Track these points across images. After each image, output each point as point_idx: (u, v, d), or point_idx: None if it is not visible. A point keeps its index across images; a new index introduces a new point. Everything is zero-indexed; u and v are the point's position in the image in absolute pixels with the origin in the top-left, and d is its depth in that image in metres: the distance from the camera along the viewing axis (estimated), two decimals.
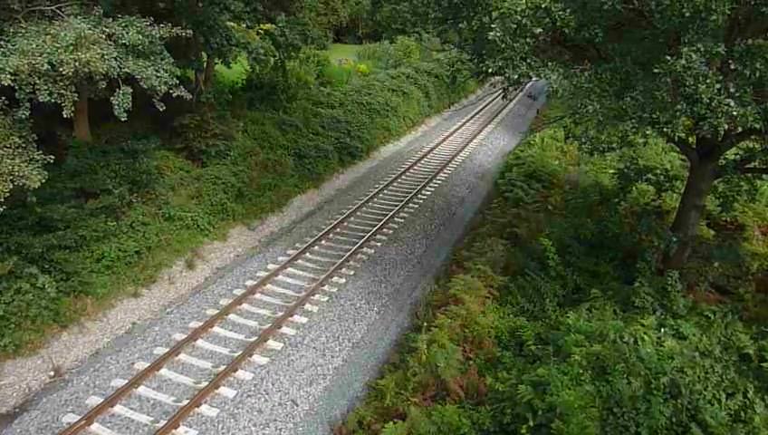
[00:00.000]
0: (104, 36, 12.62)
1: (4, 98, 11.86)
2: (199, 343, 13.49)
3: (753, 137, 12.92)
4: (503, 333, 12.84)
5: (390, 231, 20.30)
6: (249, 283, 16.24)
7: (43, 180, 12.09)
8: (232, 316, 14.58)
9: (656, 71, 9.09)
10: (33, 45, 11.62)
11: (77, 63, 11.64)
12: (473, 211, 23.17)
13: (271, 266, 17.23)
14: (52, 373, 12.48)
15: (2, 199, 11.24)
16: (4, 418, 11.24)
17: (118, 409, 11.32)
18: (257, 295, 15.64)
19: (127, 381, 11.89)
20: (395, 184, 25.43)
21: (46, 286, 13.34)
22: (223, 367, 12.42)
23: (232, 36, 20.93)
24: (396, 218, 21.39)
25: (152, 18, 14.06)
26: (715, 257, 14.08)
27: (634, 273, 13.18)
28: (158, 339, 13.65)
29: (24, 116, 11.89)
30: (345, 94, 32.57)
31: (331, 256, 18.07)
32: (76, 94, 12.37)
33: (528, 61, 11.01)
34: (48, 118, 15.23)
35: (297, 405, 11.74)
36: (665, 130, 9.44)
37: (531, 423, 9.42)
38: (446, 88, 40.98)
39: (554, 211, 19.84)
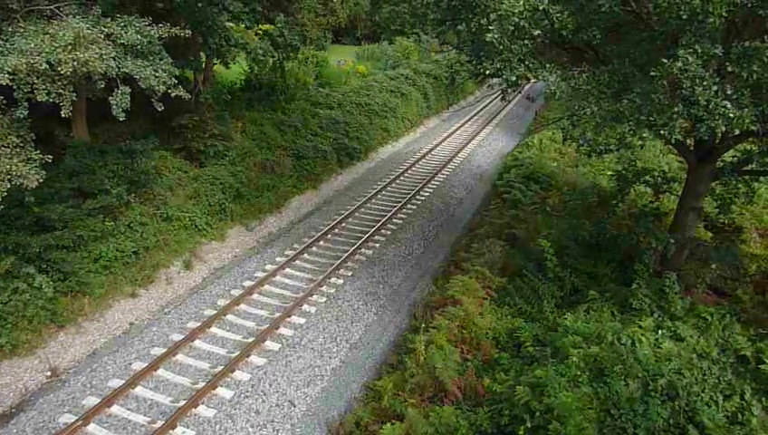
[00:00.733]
0: (103, 36, 12.61)
1: (2, 97, 11.84)
2: (197, 343, 13.47)
3: (750, 139, 12.95)
4: (500, 335, 12.84)
5: (389, 232, 20.30)
6: (247, 283, 16.23)
7: (41, 180, 12.07)
8: (230, 317, 14.57)
9: (653, 73, 9.09)
10: (32, 45, 11.61)
11: (75, 63, 11.63)
12: (471, 212, 23.18)
13: (269, 267, 17.22)
14: (48, 373, 12.45)
15: (0, 199, 11.22)
16: (1, 418, 11.21)
17: (115, 409, 11.29)
18: (255, 296, 15.63)
19: (124, 382, 11.87)
20: (393, 185, 25.44)
21: (43, 286, 13.31)
22: (220, 368, 12.41)
23: (231, 37, 20.93)
24: (394, 219, 21.40)
25: (151, 18, 14.06)
26: (713, 259, 14.09)
27: (632, 274, 13.18)
28: (155, 339, 13.63)
29: (22, 115, 11.87)
30: (344, 95, 32.57)
31: (329, 257, 18.07)
32: (74, 94, 12.36)
33: (526, 63, 11.02)
34: (46, 118, 15.22)
35: (295, 406, 11.73)
36: (662, 132, 9.44)
37: (528, 425, 9.42)
38: (445, 89, 41.00)
39: (552, 213, 19.85)
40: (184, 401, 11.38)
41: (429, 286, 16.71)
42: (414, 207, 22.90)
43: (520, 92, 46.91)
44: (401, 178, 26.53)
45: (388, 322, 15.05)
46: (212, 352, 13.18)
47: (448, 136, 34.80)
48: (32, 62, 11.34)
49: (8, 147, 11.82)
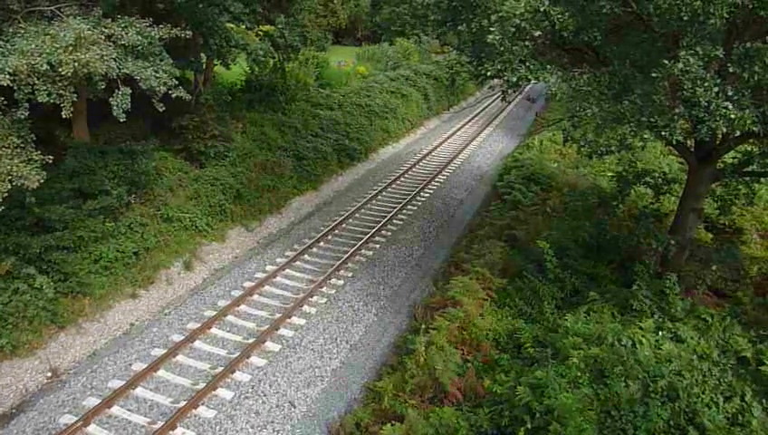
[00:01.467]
0: (103, 37, 12.62)
1: (2, 98, 11.84)
2: (197, 344, 13.47)
3: (751, 140, 12.95)
4: (501, 336, 12.83)
5: (389, 233, 20.30)
6: (247, 284, 16.23)
7: (42, 180, 12.07)
8: (230, 318, 14.56)
9: (654, 74, 9.09)
10: (33, 46, 11.61)
11: (76, 64, 11.64)
12: (471, 213, 23.17)
13: (269, 268, 17.22)
14: (49, 374, 12.45)
15: (0, 199, 11.22)
16: (1, 419, 11.21)
17: (115, 410, 11.29)
18: (255, 297, 15.62)
19: (124, 383, 11.87)
20: (394, 186, 25.45)
21: (44, 287, 13.31)
22: (221, 368, 12.40)
23: (231, 38, 20.94)
24: (394, 220, 21.40)
25: (151, 19, 14.07)
26: (714, 260, 14.09)
27: (632, 276, 13.18)
28: (155, 340, 13.63)
29: (22, 116, 11.87)
30: (344, 96, 32.59)
31: (329, 258, 18.06)
32: (75, 95, 12.36)
33: (527, 64, 11.03)
34: (47, 118, 15.23)
35: (295, 407, 11.73)
36: (663, 133, 9.45)
37: (528, 426, 9.41)
38: (445, 90, 41.03)
39: (553, 214, 19.85)
40: (184, 402, 11.37)
41: (430, 287, 16.71)
42: (414, 208, 22.89)
43: (520, 94, 46.95)
44: (401, 178, 26.54)
45: (388, 323, 15.04)
46: (212, 352, 13.17)
47: (449, 137, 34.81)
48: (32, 63, 11.35)
49: (9, 147, 11.82)
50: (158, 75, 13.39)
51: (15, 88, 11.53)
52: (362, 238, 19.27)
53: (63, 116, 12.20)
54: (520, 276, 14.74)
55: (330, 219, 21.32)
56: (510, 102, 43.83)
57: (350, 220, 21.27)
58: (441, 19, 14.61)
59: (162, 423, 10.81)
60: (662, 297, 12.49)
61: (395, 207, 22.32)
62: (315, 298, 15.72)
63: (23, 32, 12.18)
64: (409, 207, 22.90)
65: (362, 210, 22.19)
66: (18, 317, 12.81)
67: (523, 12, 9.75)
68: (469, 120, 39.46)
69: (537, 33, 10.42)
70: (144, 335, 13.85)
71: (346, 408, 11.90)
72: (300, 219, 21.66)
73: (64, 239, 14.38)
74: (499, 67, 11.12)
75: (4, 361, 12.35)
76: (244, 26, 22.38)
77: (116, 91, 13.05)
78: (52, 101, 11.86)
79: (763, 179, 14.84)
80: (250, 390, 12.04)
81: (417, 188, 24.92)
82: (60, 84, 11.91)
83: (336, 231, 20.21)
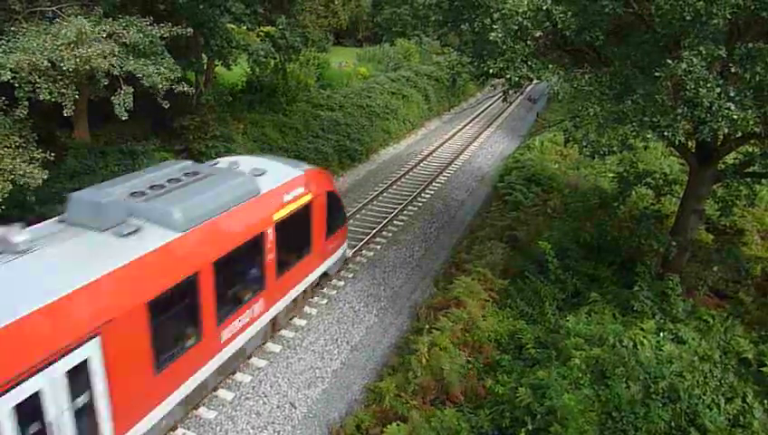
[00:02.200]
0: (105, 35, 12.63)
1: (4, 98, 11.85)
2: None
3: (752, 141, 12.93)
4: (502, 337, 12.81)
5: (390, 234, 20.28)
6: None
7: (44, 178, 12.10)
8: None
9: (656, 74, 9.08)
10: (34, 44, 11.62)
11: (78, 60, 11.65)
12: (472, 214, 23.16)
13: None
14: None
15: (1, 199, 11.23)
16: None
17: None
18: None
19: None
20: (394, 187, 25.43)
21: None
22: None
23: (232, 38, 20.96)
24: (395, 221, 21.38)
25: (152, 19, 14.09)
26: (715, 262, 14.07)
27: (633, 277, 13.16)
28: None
29: (22, 115, 11.88)
30: (345, 97, 32.60)
31: None
32: (77, 93, 12.38)
33: (529, 63, 11.02)
34: (48, 119, 15.25)
35: (295, 408, 11.71)
36: (665, 133, 9.44)
37: (530, 427, 9.40)
38: (446, 91, 41.03)
39: (554, 214, 19.83)
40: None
41: (430, 288, 16.69)
42: (415, 208, 22.88)
43: (521, 94, 46.94)
44: (402, 179, 26.52)
45: (389, 324, 15.03)
46: None
47: (449, 138, 34.80)
48: (34, 60, 11.36)
49: (10, 146, 11.84)
50: (159, 72, 13.41)
51: (16, 85, 11.54)
52: (363, 239, 19.26)
53: (65, 115, 12.23)
54: (521, 277, 14.73)
55: None
56: (511, 103, 43.88)
57: (351, 221, 21.23)
58: (442, 19, 14.62)
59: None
60: (663, 298, 12.47)
61: (396, 208, 22.30)
62: (316, 299, 15.70)
63: (24, 31, 12.19)
64: (410, 207, 22.89)
65: (363, 211, 22.17)
66: None
67: (525, 10, 9.75)
68: (470, 121, 39.46)
69: (539, 33, 10.43)
70: None
71: (347, 409, 11.88)
72: None
73: None
74: (501, 65, 11.12)
75: None
76: (245, 27, 22.39)
77: (118, 89, 13.06)
78: (53, 99, 11.88)
79: (764, 180, 14.80)
80: (251, 390, 12.03)
81: (417, 188, 24.90)
82: (61, 82, 11.93)
83: None
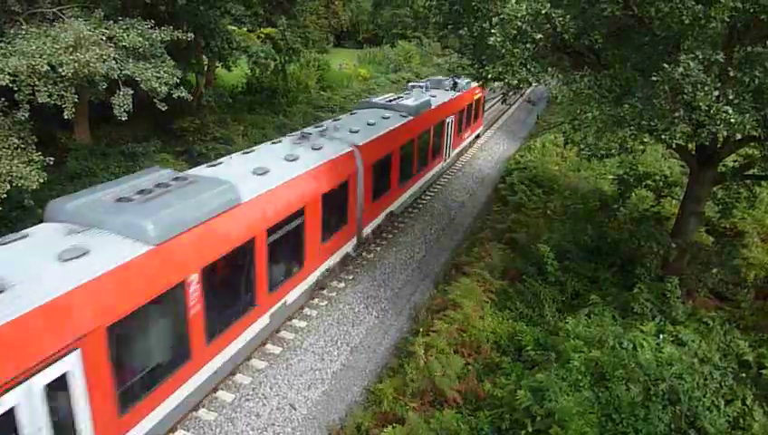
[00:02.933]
0: (104, 38, 12.67)
1: (3, 99, 11.88)
2: None
3: (752, 144, 12.96)
4: (502, 338, 12.82)
5: (390, 236, 20.29)
6: None
7: (42, 181, 12.11)
8: None
9: (654, 78, 9.10)
10: (33, 47, 11.65)
11: (77, 64, 11.69)
12: (472, 216, 23.16)
13: None
14: None
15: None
16: None
17: None
18: None
19: None
20: None
21: None
22: None
23: (233, 40, 21.01)
24: (395, 222, 21.38)
25: (153, 21, 14.12)
26: (714, 264, 14.09)
27: (633, 279, 13.18)
28: None
29: (23, 117, 11.92)
30: (345, 98, 32.64)
31: None
32: (76, 96, 12.41)
33: (528, 66, 11.04)
34: (48, 120, 15.28)
35: (295, 409, 11.71)
36: (663, 136, 9.46)
37: (529, 429, 9.40)
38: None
39: (554, 216, 19.84)
40: None
41: (431, 290, 16.70)
42: (415, 210, 22.89)
43: (521, 96, 46.97)
44: None
45: (389, 325, 15.03)
46: None
47: None
48: (33, 63, 11.39)
49: (9, 148, 11.87)
50: (158, 76, 13.43)
51: (16, 89, 11.57)
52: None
53: (65, 117, 12.24)
54: (521, 279, 14.74)
55: None
56: (511, 105, 43.90)
57: None
58: (443, 21, 14.64)
59: None
60: (663, 300, 12.49)
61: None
62: (316, 300, 15.71)
63: (24, 33, 12.21)
64: (410, 209, 22.89)
65: None
66: None
67: (524, 14, 9.77)
68: None
69: (538, 36, 10.44)
70: None
71: (347, 410, 11.88)
72: None
73: None
74: (500, 70, 11.13)
75: None
76: (245, 28, 22.45)
77: (117, 91, 13.10)
78: (53, 102, 11.91)
79: (764, 182, 14.86)
80: (251, 392, 12.03)
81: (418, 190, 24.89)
82: (61, 85, 11.96)
83: None
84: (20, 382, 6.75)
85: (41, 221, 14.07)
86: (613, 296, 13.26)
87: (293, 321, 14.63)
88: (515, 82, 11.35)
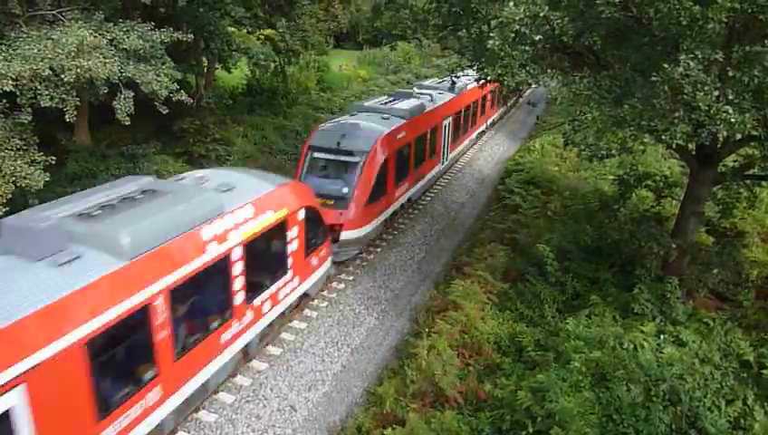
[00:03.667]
0: (105, 41, 12.68)
1: (5, 101, 11.90)
2: None
3: (752, 144, 12.96)
4: (502, 339, 12.82)
5: (390, 237, 20.30)
6: None
7: (45, 180, 12.12)
8: None
9: (654, 78, 9.11)
10: (35, 50, 11.66)
11: (78, 70, 11.70)
12: (472, 217, 23.17)
13: None
14: None
15: (4, 201, 11.28)
16: None
17: None
18: None
19: None
20: None
21: None
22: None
23: (232, 41, 21.04)
24: (396, 224, 21.39)
25: (153, 23, 14.13)
26: (715, 264, 14.08)
27: (633, 279, 13.18)
28: None
29: (26, 120, 11.93)
30: (345, 100, 32.65)
31: None
32: (77, 99, 12.42)
33: (527, 68, 11.05)
34: (49, 122, 15.29)
35: (296, 411, 11.72)
36: (663, 137, 9.46)
37: (530, 430, 9.41)
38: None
39: (554, 217, 19.84)
40: None
41: (431, 291, 16.70)
42: (415, 211, 22.90)
43: (520, 97, 46.98)
44: None
45: (389, 326, 15.04)
46: None
47: None
48: (35, 68, 11.40)
49: (12, 149, 11.88)
50: (159, 79, 13.44)
51: (18, 93, 11.58)
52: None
53: (66, 120, 12.25)
54: (521, 280, 14.74)
55: None
56: (510, 107, 43.94)
57: None
58: (442, 24, 14.67)
59: None
60: (663, 301, 12.49)
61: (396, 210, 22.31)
62: (316, 302, 15.71)
63: (24, 36, 12.22)
64: (410, 210, 22.90)
65: None
66: None
67: (522, 17, 9.77)
68: None
69: (537, 38, 10.45)
70: None
71: (347, 412, 11.88)
72: None
73: None
74: (499, 72, 11.14)
75: None
76: (245, 30, 22.48)
77: (119, 94, 13.11)
78: (54, 105, 11.92)
79: (764, 183, 14.85)
80: (251, 393, 12.03)
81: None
82: (62, 89, 11.97)
83: None
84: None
85: None
86: (613, 297, 13.26)
87: (294, 322, 14.64)
88: (514, 83, 11.36)
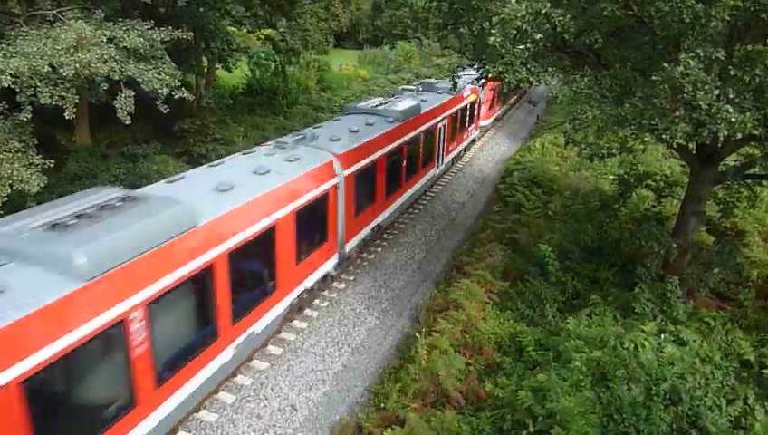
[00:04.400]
0: (105, 39, 12.67)
1: (4, 102, 11.88)
2: None
3: (752, 143, 12.94)
4: (502, 339, 12.81)
5: (391, 236, 20.28)
6: None
7: (43, 184, 12.09)
8: None
9: (654, 77, 9.09)
10: (34, 48, 11.65)
11: (77, 65, 11.67)
12: (473, 216, 23.16)
13: None
14: None
15: (0, 203, 11.26)
16: None
17: None
18: None
19: None
20: None
21: None
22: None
23: (233, 41, 21.04)
24: (396, 223, 21.38)
25: (153, 23, 14.12)
26: (715, 263, 14.07)
27: (634, 279, 13.17)
28: None
29: (25, 119, 11.91)
30: (345, 99, 32.63)
31: None
32: (77, 97, 12.39)
33: (528, 66, 11.03)
34: (49, 122, 15.28)
35: (297, 410, 11.71)
36: (664, 136, 9.44)
37: (531, 429, 9.39)
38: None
39: (554, 216, 19.83)
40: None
41: (432, 290, 16.68)
42: (416, 211, 22.88)
43: (520, 97, 46.95)
44: None
45: (390, 326, 15.02)
46: None
47: None
48: (34, 64, 11.38)
49: (10, 151, 11.86)
50: (160, 77, 13.42)
51: (18, 90, 11.57)
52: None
53: (66, 117, 12.23)
54: (522, 280, 14.73)
55: None
56: (511, 106, 43.94)
57: None
58: (442, 22, 14.64)
59: None
60: (664, 300, 12.48)
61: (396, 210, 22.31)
62: (317, 301, 15.70)
63: (24, 35, 12.21)
64: (411, 210, 22.89)
65: None
66: None
67: (524, 14, 9.76)
68: None
69: (538, 36, 10.43)
70: None
71: (348, 411, 11.87)
72: None
73: None
74: (500, 69, 11.12)
75: None
76: (245, 30, 22.47)
77: (119, 93, 13.09)
78: (54, 102, 11.90)
79: (765, 182, 14.83)
80: (252, 393, 12.02)
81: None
82: (62, 86, 11.95)
83: None
84: None
85: None
86: (614, 296, 13.25)
87: (294, 322, 14.64)
88: (515, 81, 11.35)
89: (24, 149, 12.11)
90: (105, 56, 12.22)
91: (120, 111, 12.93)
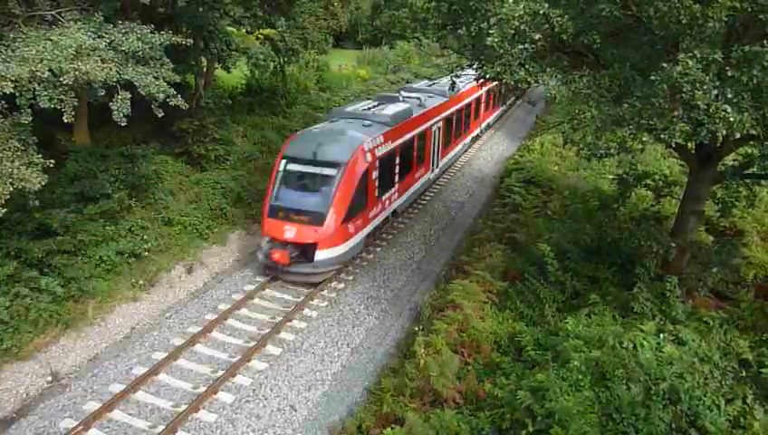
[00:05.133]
0: (104, 44, 12.64)
1: (3, 102, 11.87)
2: (198, 347, 13.47)
3: (751, 142, 12.96)
4: (501, 339, 12.83)
5: (390, 236, 20.30)
6: (248, 287, 16.23)
7: (43, 183, 12.08)
8: (231, 321, 14.56)
9: (653, 77, 9.10)
10: (33, 51, 11.62)
11: (77, 73, 11.66)
12: (472, 216, 23.18)
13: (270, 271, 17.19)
14: (49, 378, 12.45)
15: (2, 202, 11.25)
16: (1, 423, 11.21)
17: (116, 414, 11.29)
18: (256, 300, 15.62)
19: (125, 386, 11.87)
20: None
21: (49, 286, 13.33)
22: (221, 372, 12.40)
23: (232, 41, 21.01)
24: (395, 223, 21.39)
25: (152, 24, 14.08)
26: (714, 263, 14.08)
27: (633, 278, 13.17)
28: (156, 344, 13.63)
29: (26, 121, 11.90)
30: (345, 99, 32.63)
31: None
32: (76, 100, 12.38)
33: (526, 66, 11.05)
34: (48, 122, 15.26)
35: (296, 411, 11.72)
36: (662, 136, 9.46)
37: (530, 429, 9.40)
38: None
39: (553, 216, 19.85)
40: (185, 406, 11.36)
41: (431, 290, 16.69)
42: (415, 211, 22.90)
43: (519, 97, 46.90)
44: None
45: (389, 326, 15.04)
46: (214, 356, 13.17)
47: None
48: (34, 69, 11.36)
49: (10, 150, 11.84)
50: (157, 82, 13.38)
51: (17, 94, 11.55)
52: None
53: (65, 120, 12.21)
54: (521, 279, 14.74)
55: None
56: (510, 106, 43.88)
57: None
58: (441, 22, 14.65)
59: (163, 427, 10.80)
60: (663, 300, 12.48)
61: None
62: (316, 301, 15.72)
63: (23, 37, 12.19)
64: (410, 210, 22.90)
65: None
66: (19, 321, 12.80)
67: (522, 14, 9.77)
68: None
69: (537, 36, 10.44)
70: (145, 339, 13.85)
71: (348, 411, 11.89)
72: None
73: (66, 243, 14.39)
74: (498, 69, 11.13)
75: (5, 365, 12.34)
76: (244, 30, 22.45)
77: (115, 95, 13.07)
78: (53, 105, 11.88)
79: (763, 181, 14.84)
80: (251, 393, 12.04)
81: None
82: (60, 89, 11.93)
83: None
84: None
85: (41, 224, 14.23)
86: (613, 296, 13.26)
87: (293, 321, 14.65)
88: (513, 81, 11.36)
89: (23, 148, 12.09)
90: (105, 63, 12.20)
91: (115, 112, 12.89)
